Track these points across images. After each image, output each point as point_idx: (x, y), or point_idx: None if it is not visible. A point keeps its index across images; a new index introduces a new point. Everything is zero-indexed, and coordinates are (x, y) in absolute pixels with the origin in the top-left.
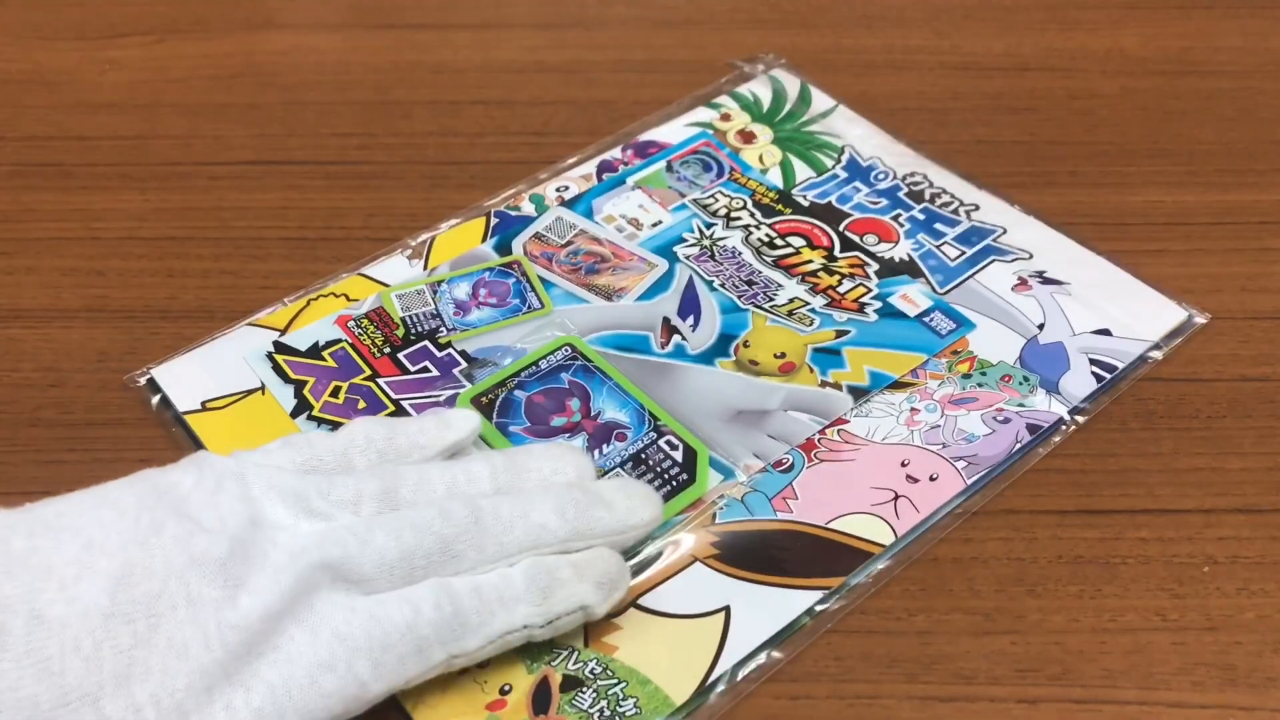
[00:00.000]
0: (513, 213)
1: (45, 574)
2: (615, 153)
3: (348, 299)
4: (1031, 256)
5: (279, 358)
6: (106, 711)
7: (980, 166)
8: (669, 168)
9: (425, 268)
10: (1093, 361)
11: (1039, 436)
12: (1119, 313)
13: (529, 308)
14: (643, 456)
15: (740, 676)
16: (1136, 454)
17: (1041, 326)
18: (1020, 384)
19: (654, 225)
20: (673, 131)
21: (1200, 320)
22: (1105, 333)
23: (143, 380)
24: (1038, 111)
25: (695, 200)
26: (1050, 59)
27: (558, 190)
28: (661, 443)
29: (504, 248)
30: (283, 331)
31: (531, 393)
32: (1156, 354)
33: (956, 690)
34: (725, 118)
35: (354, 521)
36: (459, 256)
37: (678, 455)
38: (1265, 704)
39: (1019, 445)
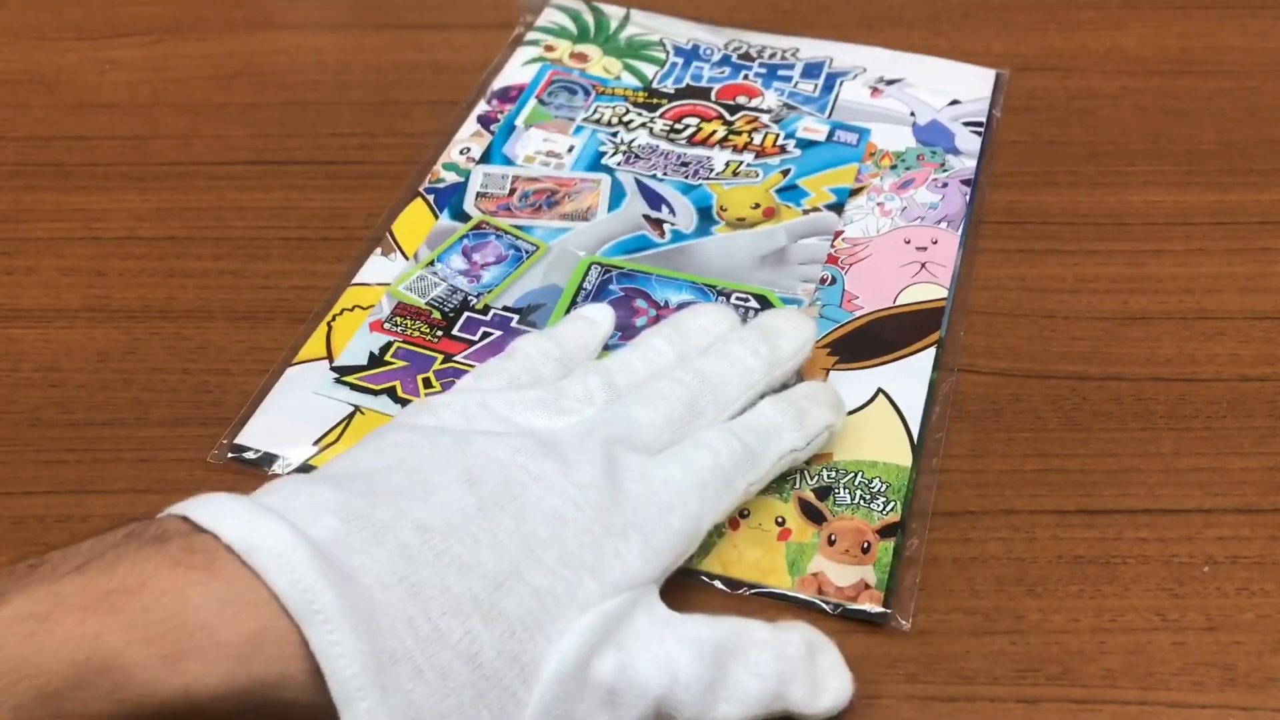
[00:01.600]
0: (440, 185)
1: (397, 498)
2: (483, 107)
3: (361, 309)
4: (865, 69)
5: (350, 379)
6: (533, 581)
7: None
8: (541, 102)
9: (408, 257)
10: (965, 124)
11: (972, 187)
12: (954, 87)
13: (526, 253)
14: None
15: (931, 426)
16: (1136, 454)
17: (913, 114)
18: (932, 156)
19: (569, 151)
20: (517, 74)
21: (1004, 73)
22: (956, 102)
23: (229, 455)
24: (1038, 111)
25: (586, 120)
26: (1050, 59)
27: (462, 153)
28: (734, 301)
29: (460, 215)
30: (330, 358)
31: None
32: (997, 110)
33: (956, 690)
34: (549, 49)
35: (605, 409)
36: (429, 236)
37: (753, 304)
38: (1265, 704)
39: (967, 198)
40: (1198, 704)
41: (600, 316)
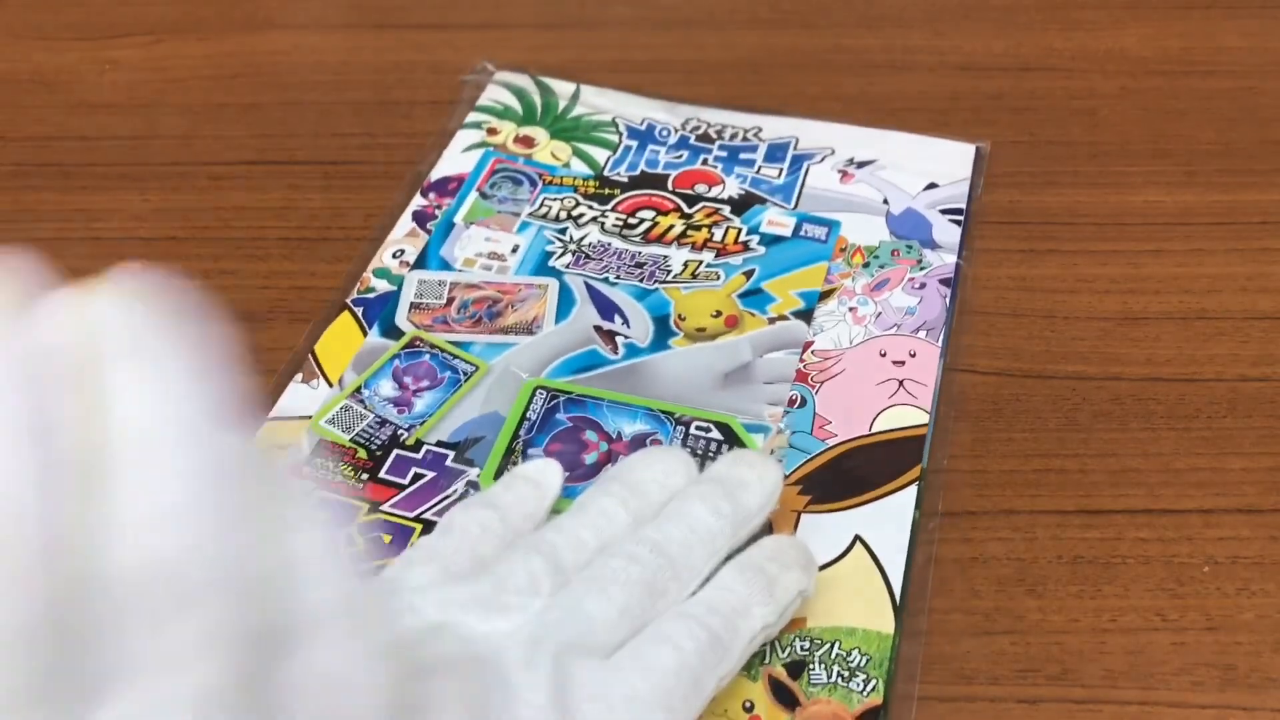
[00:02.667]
0: (370, 295)
1: None
2: (419, 201)
3: (279, 448)
4: (834, 150)
5: None
6: None
7: (980, 166)
8: (482, 195)
9: (331, 384)
10: (943, 211)
11: (953, 288)
12: (931, 166)
13: (464, 375)
14: (688, 450)
15: (914, 581)
16: (1136, 454)
17: (886, 202)
18: (908, 251)
19: (513, 251)
20: (456, 162)
21: (985, 147)
22: (933, 186)
23: None
24: (1038, 111)
25: (531, 214)
26: (1050, 59)
27: (395, 256)
28: (694, 431)
29: (392, 331)
30: None
31: (544, 445)
32: (979, 185)
33: (956, 690)
34: (493, 132)
35: (551, 601)
36: (356, 357)
37: (715, 434)
38: (1265, 704)
39: (947, 300)
40: (1198, 704)
41: (547, 477)
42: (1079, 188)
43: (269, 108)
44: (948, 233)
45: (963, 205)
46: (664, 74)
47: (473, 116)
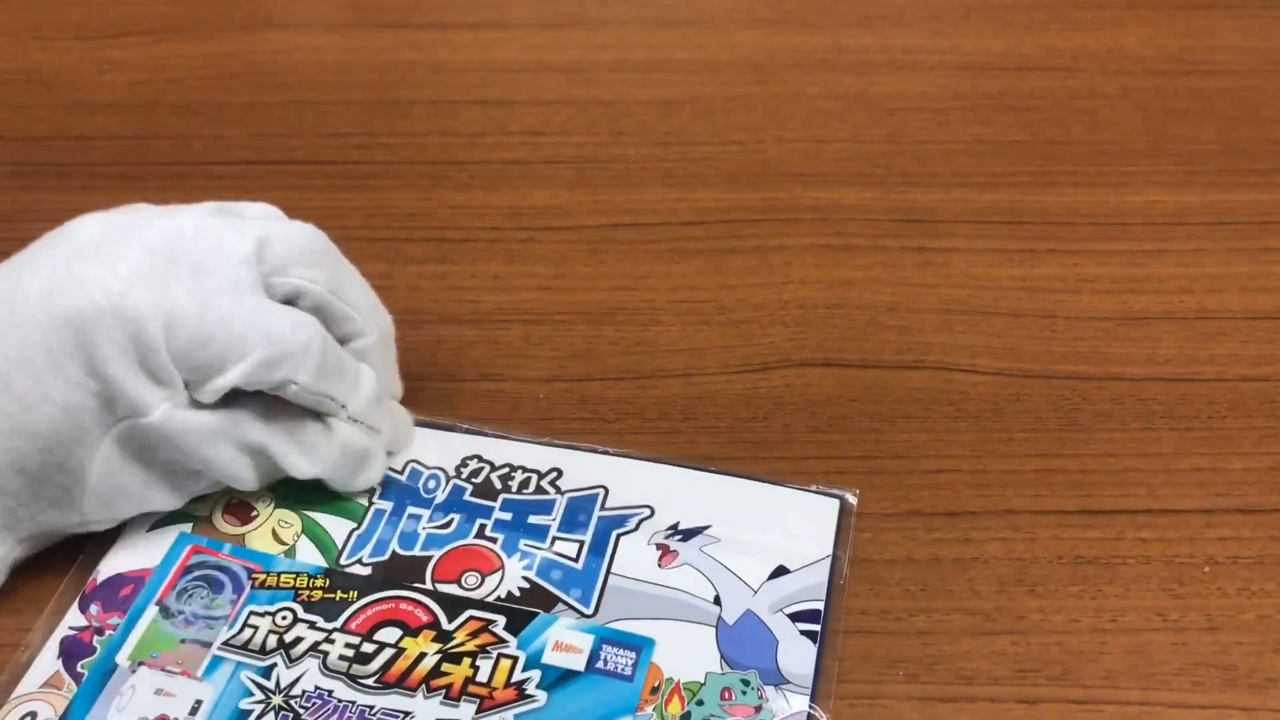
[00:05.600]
0: None
1: None
2: (75, 618)
3: None
4: (652, 511)
5: None
6: None
7: (980, 166)
8: (165, 612)
9: None
10: (793, 618)
11: None
12: (776, 539)
13: None
14: None
15: None
16: (1136, 454)
17: (718, 600)
18: (743, 693)
19: (192, 714)
20: (139, 551)
21: (852, 500)
22: (782, 571)
23: None
24: (1038, 111)
25: (228, 644)
26: (1050, 59)
27: None
28: None
29: None
30: None
31: None
32: (843, 561)
33: (956, 690)
34: (197, 500)
35: None
36: None
37: None
38: (1265, 704)
39: None
40: (1198, 704)
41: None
42: (1079, 187)
43: (269, 108)
44: (800, 656)
45: (819, 603)
46: (664, 74)
47: None
